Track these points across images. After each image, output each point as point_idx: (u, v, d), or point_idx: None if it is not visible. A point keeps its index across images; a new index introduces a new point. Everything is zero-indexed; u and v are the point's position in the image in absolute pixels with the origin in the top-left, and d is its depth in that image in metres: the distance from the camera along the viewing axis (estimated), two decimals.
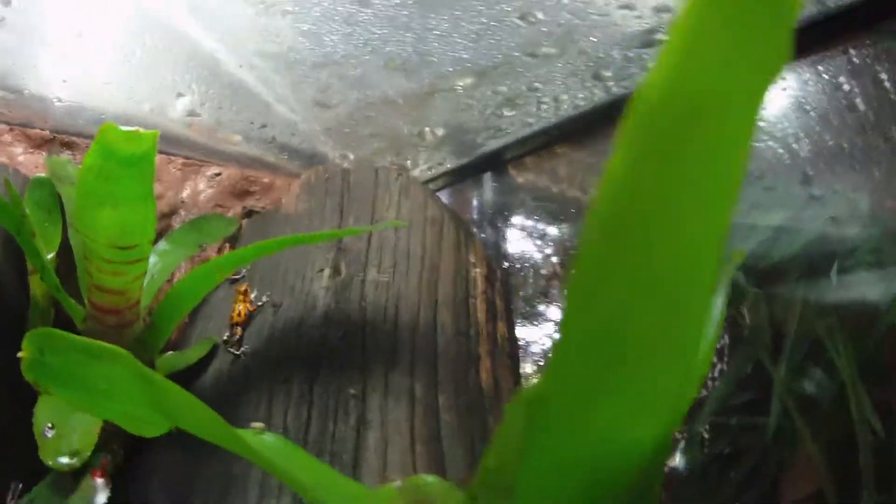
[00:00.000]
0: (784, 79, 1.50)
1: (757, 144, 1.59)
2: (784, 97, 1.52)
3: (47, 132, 1.82)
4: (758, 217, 1.68)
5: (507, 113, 1.68)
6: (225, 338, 1.49)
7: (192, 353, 1.52)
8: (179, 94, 1.63)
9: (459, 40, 1.43)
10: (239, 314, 1.49)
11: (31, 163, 1.80)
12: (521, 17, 1.36)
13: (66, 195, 1.56)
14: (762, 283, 1.77)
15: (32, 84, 1.63)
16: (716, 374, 2.14)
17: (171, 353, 1.56)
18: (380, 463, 1.19)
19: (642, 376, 0.45)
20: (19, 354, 0.80)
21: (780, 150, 1.58)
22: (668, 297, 0.41)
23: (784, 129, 1.55)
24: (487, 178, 2.08)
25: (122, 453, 1.31)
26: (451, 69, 1.53)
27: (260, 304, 1.50)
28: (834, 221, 1.59)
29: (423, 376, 1.30)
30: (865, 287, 1.56)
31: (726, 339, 2.16)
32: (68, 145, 1.84)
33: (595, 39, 1.41)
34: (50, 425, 1.12)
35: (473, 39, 1.42)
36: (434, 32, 1.41)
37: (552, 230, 2.23)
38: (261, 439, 0.93)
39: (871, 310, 1.57)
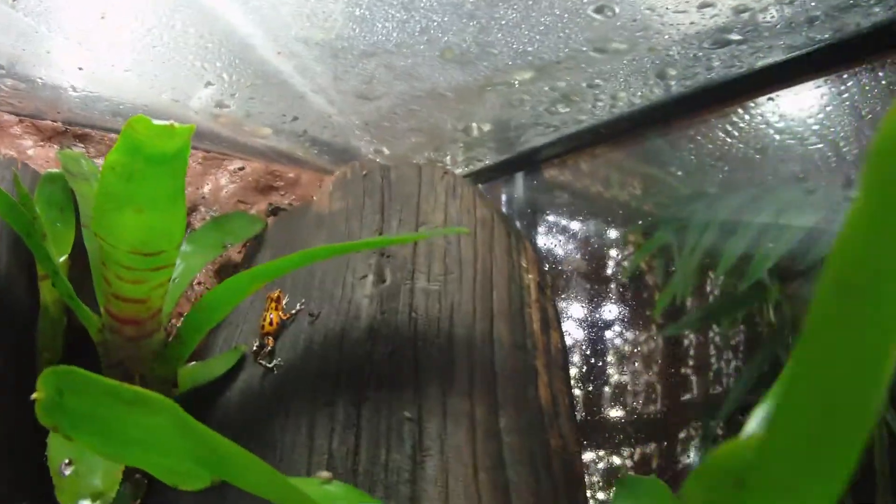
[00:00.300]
0: (844, 85, 1.36)
1: (807, 146, 1.49)
2: (840, 101, 1.40)
3: (59, 124, 1.64)
4: (791, 218, 1.60)
5: (560, 109, 1.50)
6: (254, 348, 1.30)
7: (218, 365, 1.32)
8: (208, 84, 1.43)
9: (526, 32, 1.25)
10: (270, 323, 1.30)
11: (42, 157, 1.62)
12: (598, 11, 1.19)
13: (79, 192, 1.38)
14: (788, 283, 1.71)
15: (45, 72, 1.44)
16: (731, 371, 2.06)
17: (193, 363, 1.36)
18: (441, 494, 1.00)
19: (845, 450, 0.40)
20: (33, 396, 0.61)
21: (829, 153, 1.49)
22: (879, 366, 0.37)
23: (835, 132, 1.45)
24: (520, 174, 1.89)
25: (145, 482, 1.13)
26: (511, 62, 1.34)
27: (294, 311, 1.30)
28: None
29: (483, 396, 1.11)
30: None
31: (742, 337, 2.08)
32: (82, 138, 1.65)
33: (668, 37, 1.26)
34: (67, 461, 0.93)
35: (542, 32, 1.25)
36: (500, 23, 1.23)
37: (577, 227, 2.08)
38: (327, 491, 0.73)
39: None
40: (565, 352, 1.38)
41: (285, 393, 1.19)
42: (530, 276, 1.34)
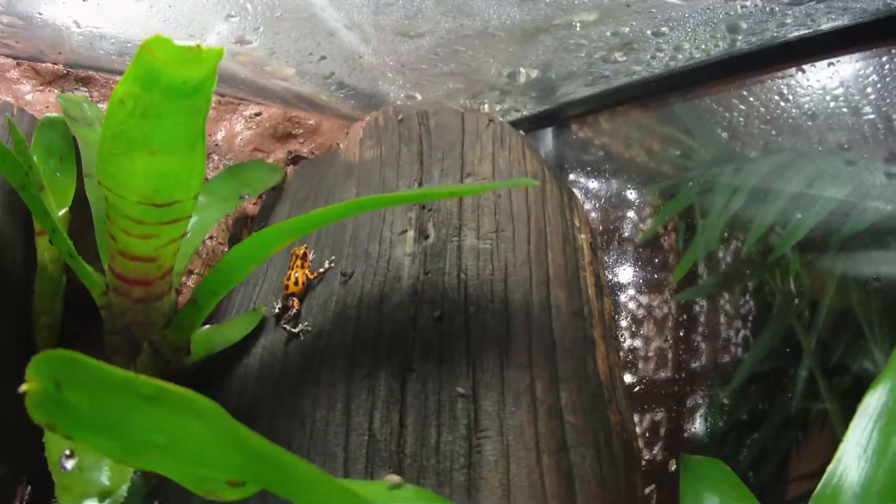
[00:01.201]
0: None
1: (859, 116, 1.34)
2: None
3: (60, 66, 1.44)
4: (823, 188, 1.47)
5: (618, 58, 1.30)
6: (276, 310, 1.11)
7: (235, 329, 1.14)
8: (228, 16, 1.22)
9: None
10: (295, 282, 1.12)
11: (42, 102, 1.43)
12: None
13: (81, 138, 1.21)
14: (808, 254, 1.59)
15: (44, 7, 1.24)
16: (739, 340, 1.95)
17: (207, 327, 1.18)
18: (502, 482, 0.83)
19: None
20: (21, 388, 0.43)
21: (880, 125, 1.34)
22: None
23: (891, 103, 1.30)
24: (549, 130, 1.70)
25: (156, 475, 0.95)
26: (576, 1, 1.14)
27: (322, 270, 1.12)
28: None
29: (543, 370, 0.93)
30: None
31: (753, 306, 1.97)
32: (85, 81, 1.46)
33: None
34: (68, 452, 0.74)
35: None
36: None
37: (608, 187, 1.91)
38: (397, 496, 0.56)
39: None
40: (614, 318, 1.21)
41: (315, 362, 1.01)
42: (583, 236, 1.16)
